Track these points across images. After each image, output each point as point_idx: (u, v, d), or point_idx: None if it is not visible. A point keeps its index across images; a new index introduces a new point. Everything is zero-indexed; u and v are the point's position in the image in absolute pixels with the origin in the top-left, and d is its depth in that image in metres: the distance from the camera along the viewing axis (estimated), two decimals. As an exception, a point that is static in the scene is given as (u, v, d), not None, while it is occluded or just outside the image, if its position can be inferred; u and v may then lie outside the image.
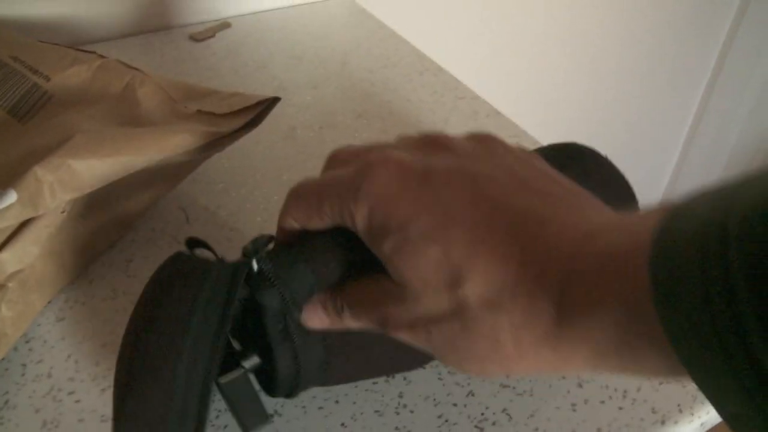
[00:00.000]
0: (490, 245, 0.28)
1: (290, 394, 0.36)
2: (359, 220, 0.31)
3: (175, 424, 0.31)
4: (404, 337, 0.32)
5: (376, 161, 0.32)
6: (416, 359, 0.38)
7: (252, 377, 0.35)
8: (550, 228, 0.29)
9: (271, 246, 0.35)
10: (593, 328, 0.26)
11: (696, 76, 1.52)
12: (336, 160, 0.36)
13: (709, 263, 0.21)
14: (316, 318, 0.34)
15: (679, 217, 0.24)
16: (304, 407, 0.40)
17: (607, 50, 1.29)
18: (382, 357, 0.37)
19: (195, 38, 0.77)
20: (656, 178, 1.78)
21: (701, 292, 0.21)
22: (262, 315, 0.33)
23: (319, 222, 0.33)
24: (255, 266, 0.33)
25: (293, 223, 0.35)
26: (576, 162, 0.41)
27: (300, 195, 0.34)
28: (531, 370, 0.29)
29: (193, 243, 0.37)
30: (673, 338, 0.23)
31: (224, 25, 0.80)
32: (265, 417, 0.35)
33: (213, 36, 0.77)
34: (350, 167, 0.32)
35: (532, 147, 0.59)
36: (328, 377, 0.36)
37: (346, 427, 0.39)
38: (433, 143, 0.34)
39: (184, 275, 0.33)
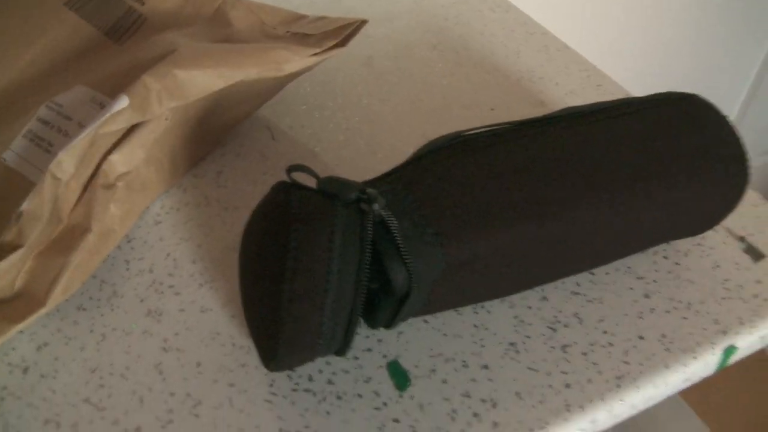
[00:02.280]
0: None
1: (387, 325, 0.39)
2: None
3: (324, 348, 0.35)
4: None
5: None
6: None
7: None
8: None
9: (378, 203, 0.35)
10: None
11: (762, 29, 1.51)
12: None
13: None
14: None
15: None
16: (387, 304, 0.43)
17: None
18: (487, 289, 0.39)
19: (271, -27, 0.79)
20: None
21: None
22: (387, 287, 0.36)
23: None
24: (376, 210, 0.35)
25: None
26: (692, 118, 0.42)
27: None
28: None
29: (295, 168, 0.37)
30: None
31: (299, -39, 0.82)
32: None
33: (289, -29, 0.80)
34: None
35: (600, 82, 0.61)
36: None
37: (428, 322, 0.42)
38: None
39: (309, 221, 0.34)
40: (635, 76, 1.40)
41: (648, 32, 1.32)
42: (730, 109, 1.67)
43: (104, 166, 0.44)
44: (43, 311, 0.40)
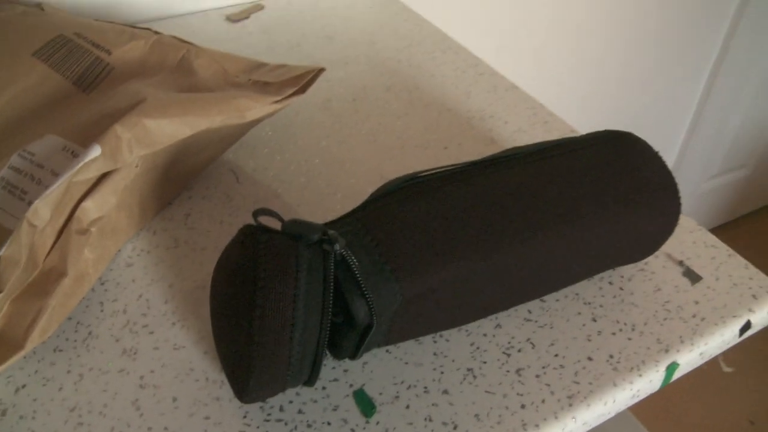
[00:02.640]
0: None
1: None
2: None
3: (293, 379, 0.38)
4: None
5: None
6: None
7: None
8: None
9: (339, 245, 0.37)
10: None
11: (700, 63, 1.57)
12: None
13: None
14: None
15: None
16: (352, 336, 0.45)
17: (617, 33, 1.34)
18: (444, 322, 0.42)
19: (231, 19, 0.82)
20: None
21: None
22: (349, 322, 0.38)
23: None
24: (337, 250, 0.37)
25: None
26: (626, 154, 0.46)
27: None
28: None
29: (260, 212, 0.39)
30: None
31: (257, 6, 0.85)
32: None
33: (248, 17, 0.83)
34: None
35: (547, 119, 0.65)
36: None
37: (390, 352, 0.44)
38: None
39: (275, 261, 0.36)
40: (581, 112, 1.45)
41: (594, 69, 1.37)
42: (674, 140, 1.74)
43: (78, 213, 0.46)
44: (21, 354, 0.42)
